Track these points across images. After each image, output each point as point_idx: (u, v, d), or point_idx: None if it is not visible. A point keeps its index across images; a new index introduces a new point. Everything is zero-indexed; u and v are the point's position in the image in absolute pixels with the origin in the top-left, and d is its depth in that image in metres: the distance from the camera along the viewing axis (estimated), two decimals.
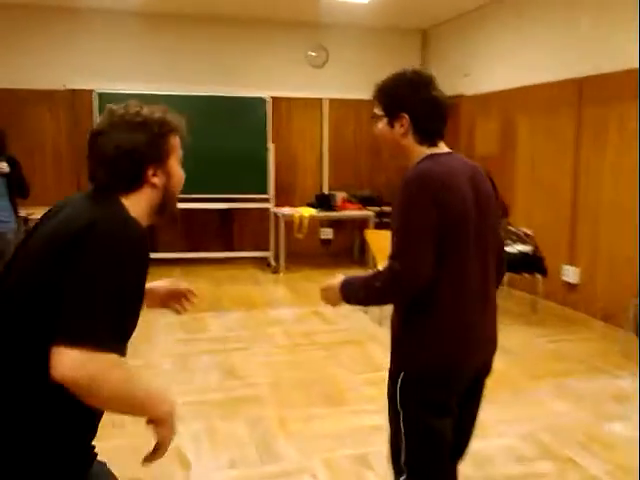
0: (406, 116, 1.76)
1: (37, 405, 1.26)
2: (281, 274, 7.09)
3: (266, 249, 7.52)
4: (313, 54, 7.79)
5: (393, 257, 1.67)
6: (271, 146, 7.34)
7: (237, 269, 7.27)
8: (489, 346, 1.86)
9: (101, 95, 6.86)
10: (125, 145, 1.38)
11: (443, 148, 1.82)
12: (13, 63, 6.90)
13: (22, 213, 6.34)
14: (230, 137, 7.12)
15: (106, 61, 7.13)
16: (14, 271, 1.34)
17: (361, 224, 7.63)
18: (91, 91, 6.92)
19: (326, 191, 7.87)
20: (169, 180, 1.44)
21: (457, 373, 1.77)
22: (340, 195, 7.47)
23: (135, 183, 1.40)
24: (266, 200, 7.39)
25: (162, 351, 4.42)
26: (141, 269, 1.33)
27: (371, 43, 7.84)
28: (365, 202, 7.57)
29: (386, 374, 1.84)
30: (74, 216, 1.34)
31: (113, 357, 1.22)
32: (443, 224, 1.66)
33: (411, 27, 7.91)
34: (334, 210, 7.32)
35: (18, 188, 4.70)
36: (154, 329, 4.76)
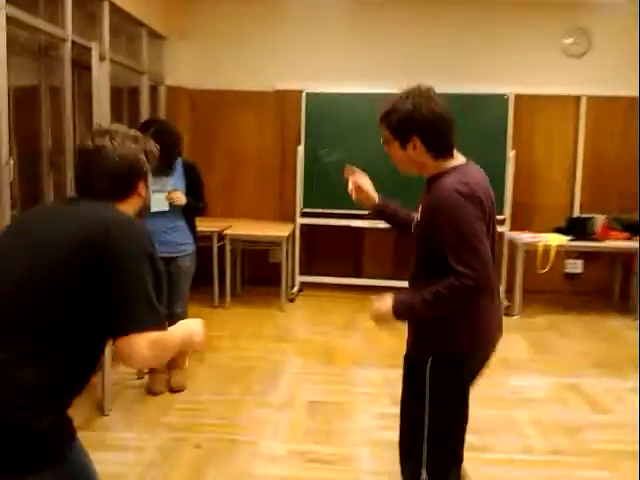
0: (416, 138, 1.87)
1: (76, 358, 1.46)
2: (516, 317, 5.55)
3: None
4: (569, 41, 6.12)
5: (461, 266, 1.76)
6: (511, 155, 5.85)
7: None
8: (501, 330, 2.08)
9: (310, 95, 5.99)
10: (129, 158, 1.58)
11: (459, 157, 1.97)
12: (223, 64, 6.35)
13: (214, 227, 5.74)
14: (458, 143, 5.76)
15: (315, 59, 6.25)
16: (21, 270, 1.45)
17: (624, 258, 5.79)
18: (299, 92, 6.08)
19: (578, 213, 6.15)
20: (146, 193, 1.66)
21: (484, 352, 2.00)
22: (600, 219, 5.71)
23: (129, 192, 1.61)
24: (500, 222, 5.91)
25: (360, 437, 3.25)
26: (157, 257, 1.52)
27: None
28: (633, 230, 5.71)
29: None
30: (92, 220, 1.48)
31: (164, 327, 1.47)
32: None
33: None
34: (591, 239, 5.59)
35: (193, 204, 3.76)
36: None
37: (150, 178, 1.66)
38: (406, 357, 2.06)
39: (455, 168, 1.90)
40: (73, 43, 4.08)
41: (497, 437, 3.24)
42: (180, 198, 3.65)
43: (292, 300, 5.97)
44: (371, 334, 4.94)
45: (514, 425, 3.40)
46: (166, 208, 3.64)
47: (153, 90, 5.99)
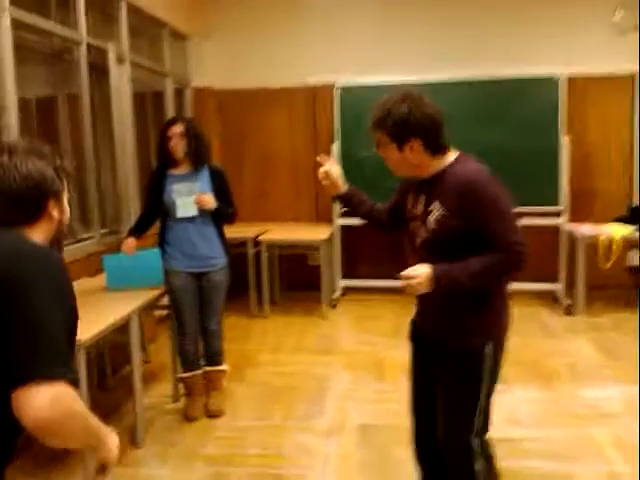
0: (414, 139, 1.91)
1: None
2: (578, 317, 5.10)
3: (552, 280, 5.58)
4: (619, 15, 5.62)
5: (510, 239, 1.85)
6: (565, 140, 5.39)
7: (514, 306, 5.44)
8: None
9: (343, 88, 5.64)
10: (32, 176, 1.35)
11: (454, 151, 2.00)
12: (250, 62, 6.05)
13: (249, 233, 5.44)
14: (506, 131, 5.36)
15: (346, 51, 5.91)
16: None
17: None
18: (332, 85, 5.73)
19: (638, 199, 5.66)
20: (62, 215, 1.44)
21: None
22: None
23: (37, 215, 1.38)
24: (556, 214, 5.46)
25: None
26: (71, 290, 1.35)
27: None
28: None
29: None
30: None
31: (76, 385, 1.23)
32: None
33: None
34: None
35: (223, 209, 3.43)
36: None
37: (64, 198, 1.46)
38: (439, 345, 2.06)
39: (458, 159, 1.98)
40: (89, 46, 3.83)
41: (579, 463, 2.83)
42: (210, 201, 3.34)
43: (334, 306, 5.63)
44: None
45: (594, 447, 2.99)
46: (194, 213, 3.34)
47: (178, 93, 5.73)
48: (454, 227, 1.88)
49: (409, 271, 1.89)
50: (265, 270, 5.35)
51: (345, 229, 5.96)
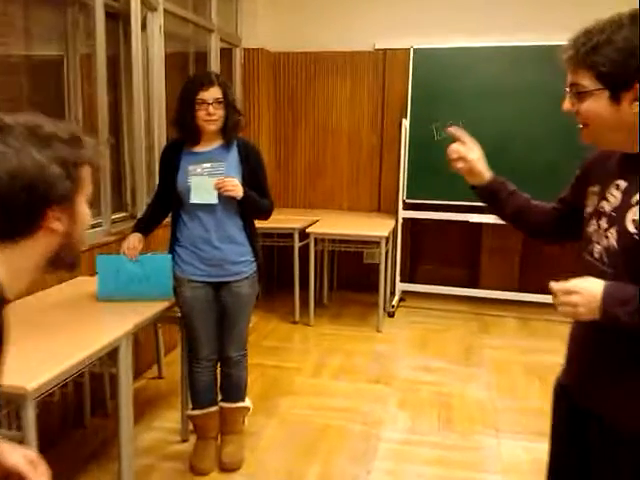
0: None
1: None
2: None
3: None
4: None
5: None
6: None
7: None
8: None
9: (419, 53, 4.69)
10: (27, 173, 0.95)
11: None
12: (311, 21, 5.18)
13: (296, 223, 4.60)
14: None
15: (422, 11, 4.95)
16: None
17: None
18: (406, 50, 4.78)
19: None
20: (73, 225, 1.04)
21: None
22: None
23: (30, 228, 0.99)
24: None
25: None
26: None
27: None
28: None
29: None
30: None
31: None
32: None
33: None
34: None
35: (253, 198, 2.57)
36: None
37: (81, 201, 1.05)
38: (605, 426, 1.32)
39: None
40: None
41: None
42: (236, 188, 2.49)
43: (391, 315, 4.76)
44: (503, 371, 3.67)
45: None
46: (214, 201, 2.50)
47: (226, 54, 4.91)
48: None
49: (568, 283, 1.22)
50: (312, 267, 4.51)
51: (410, 223, 5.06)
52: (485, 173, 1.60)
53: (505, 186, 1.62)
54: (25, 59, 3.01)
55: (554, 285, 1.24)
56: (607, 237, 1.29)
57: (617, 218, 1.27)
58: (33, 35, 3.01)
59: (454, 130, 1.61)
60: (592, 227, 1.35)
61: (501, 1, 4.79)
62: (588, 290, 1.20)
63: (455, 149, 1.59)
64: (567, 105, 1.31)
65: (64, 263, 1.10)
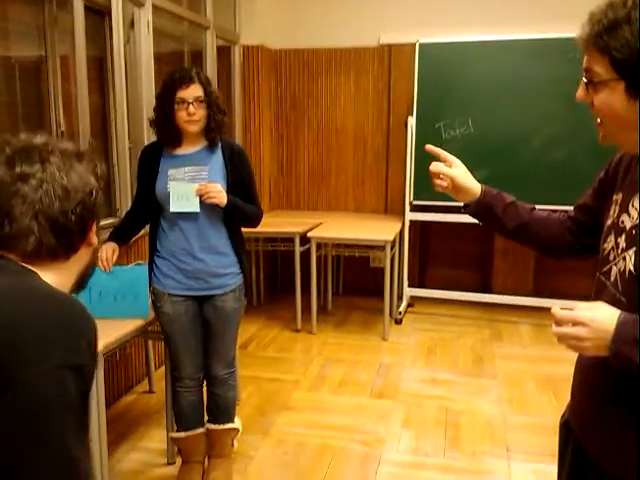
0: None
1: None
2: None
3: None
4: None
5: None
6: None
7: None
8: None
9: (425, 47, 4.45)
10: (79, 190, 0.95)
11: None
12: (313, 16, 4.99)
13: (297, 227, 4.37)
14: None
15: (425, 5, 4.73)
16: None
17: None
18: (412, 45, 4.55)
19: None
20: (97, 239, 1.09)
21: None
22: None
23: (76, 245, 0.99)
24: None
25: None
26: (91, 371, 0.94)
27: None
28: None
29: None
30: None
31: None
32: None
33: None
34: None
35: (237, 205, 2.37)
36: None
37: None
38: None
39: None
40: None
41: None
42: (220, 194, 2.29)
43: (399, 322, 4.54)
44: (515, 384, 3.44)
45: None
46: (195, 209, 2.30)
47: (223, 52, 4.72)
48: None
49: (576, 312, 1.01)
50: (314, 272, 4.30)
51: (418, 225, 4.85)
52: (474, 188, 1.44)
53: (501, 198, 1.43)
54: (2, 60, 2.85)
55: (558, 312, 1.02)
56: (624, 259, 1.06)
57: (638, 238, 1.04)
58: (9, 34, 2.84)
59: (432, 148, 1.49)
60: (609, 244, 1.13)
61: None
62: (599, 323, 0.98)
63: (435, 168, 1.45)
64: (580, 94, 1.12)
65: (83, 281, 1.06)
